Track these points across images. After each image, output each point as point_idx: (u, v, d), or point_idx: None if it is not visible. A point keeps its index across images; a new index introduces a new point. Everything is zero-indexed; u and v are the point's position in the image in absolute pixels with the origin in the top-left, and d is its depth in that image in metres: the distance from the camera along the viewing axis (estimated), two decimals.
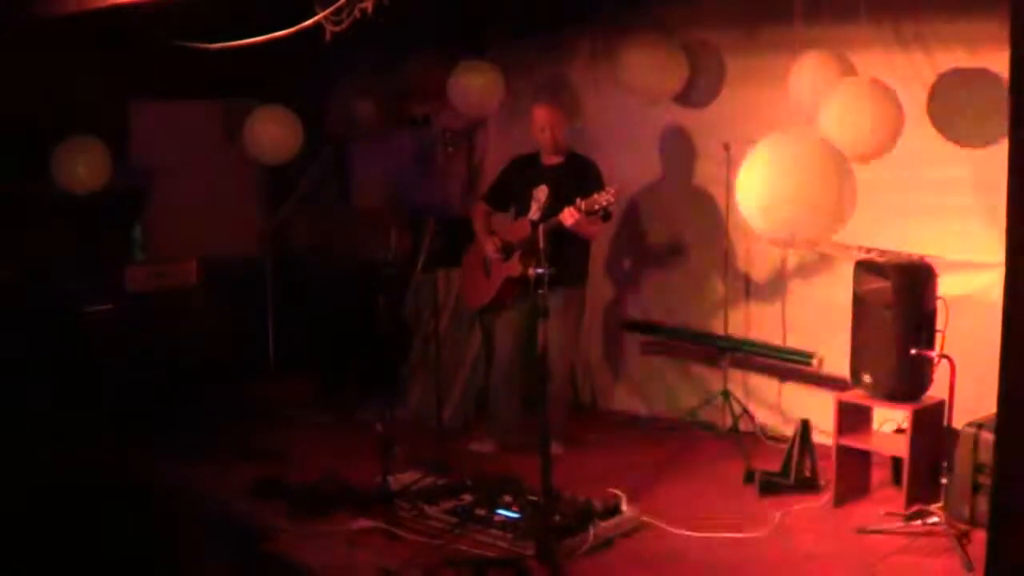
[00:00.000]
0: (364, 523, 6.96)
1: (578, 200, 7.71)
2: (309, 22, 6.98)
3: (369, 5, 6.62)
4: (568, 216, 7.73)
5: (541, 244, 6.96)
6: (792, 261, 8.63)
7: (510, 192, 8.57)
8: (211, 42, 8.01)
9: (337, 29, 6.84)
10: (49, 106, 9.35)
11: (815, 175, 6.45)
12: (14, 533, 7.16)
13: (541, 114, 8.41)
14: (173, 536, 7.22)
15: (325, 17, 6.86)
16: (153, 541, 7.17)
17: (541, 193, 8.28)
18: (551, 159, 8.44)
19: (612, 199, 7.60)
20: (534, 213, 8.24)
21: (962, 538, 6.43)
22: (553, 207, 8.00)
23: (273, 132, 9.97)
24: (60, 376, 8.98)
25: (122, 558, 7.05)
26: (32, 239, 9.46)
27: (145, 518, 7.38)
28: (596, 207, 7.64)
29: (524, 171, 8.52)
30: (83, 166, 9.45)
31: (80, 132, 9.46)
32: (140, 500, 7.60)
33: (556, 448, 8.15)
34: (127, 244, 10.32)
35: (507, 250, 8.35)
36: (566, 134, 8.49)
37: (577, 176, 8.22)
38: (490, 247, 8.43)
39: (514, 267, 8.24)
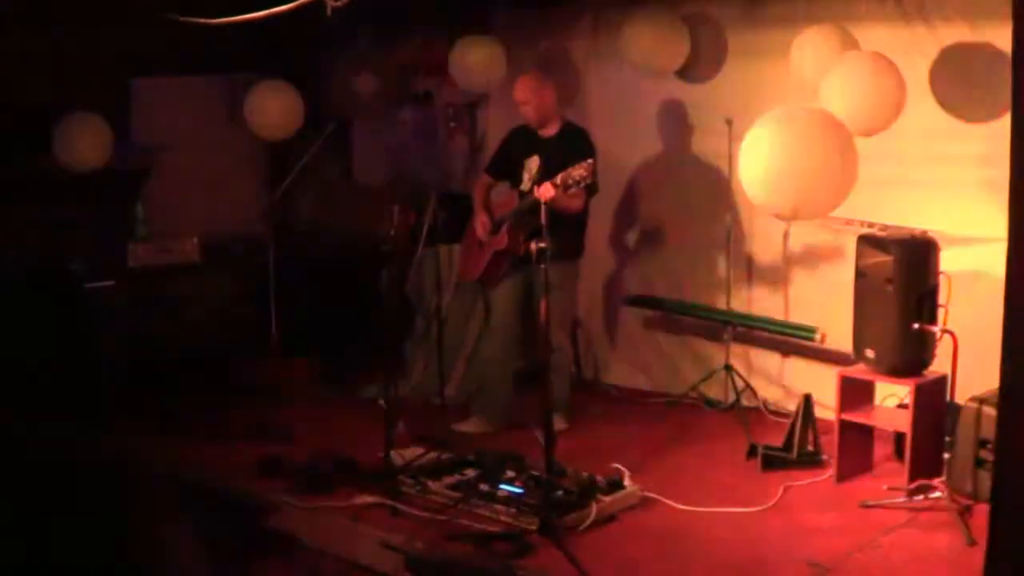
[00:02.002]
0: (367, 499, 6.97)
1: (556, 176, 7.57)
2: None
3: None
4: (545, 191, 7.53)
5: (543, 218, 6.89)
6: (795, 235, 8.60)
7: (509, 163, 8.50)
8: (212, 17, 7.99)
9: (338, 4, 6.81)
10: (50, 83, 9.33)
11: (817, 149, 6.46)
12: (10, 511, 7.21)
13: (518, 89, 8.34)
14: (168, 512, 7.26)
15: None
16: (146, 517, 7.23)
17: (533, 164, 8.21)
18: (546, 130, 8.36)
19: (586, 173, 7.36)
20: (525, 184, 8.17)
21: (964, 513, 6.44)
22: (544, 178, 7.80)
23: (274, 107, 9.96)
24: (62, 352, 8.99)
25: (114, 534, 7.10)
26: (34, 216, 9.45)
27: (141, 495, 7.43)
28: (570, 181, 7.40)
29: (521, 142, 8.45)
30: (85, 143, 9.43)
31: (81, 109, 9.45)
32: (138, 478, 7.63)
33: (559, 423, 8.15)
34: (129, 221, 10.31)
35: (497, 224, 8.31)
36: (550, 105, 8.35)
37: (567, 147, 8.09)
38: (480, 225, 8.38)
39: (501, 240, 8.21)
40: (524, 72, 8.62)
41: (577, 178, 7.35)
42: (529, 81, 8.37)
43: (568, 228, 8.12)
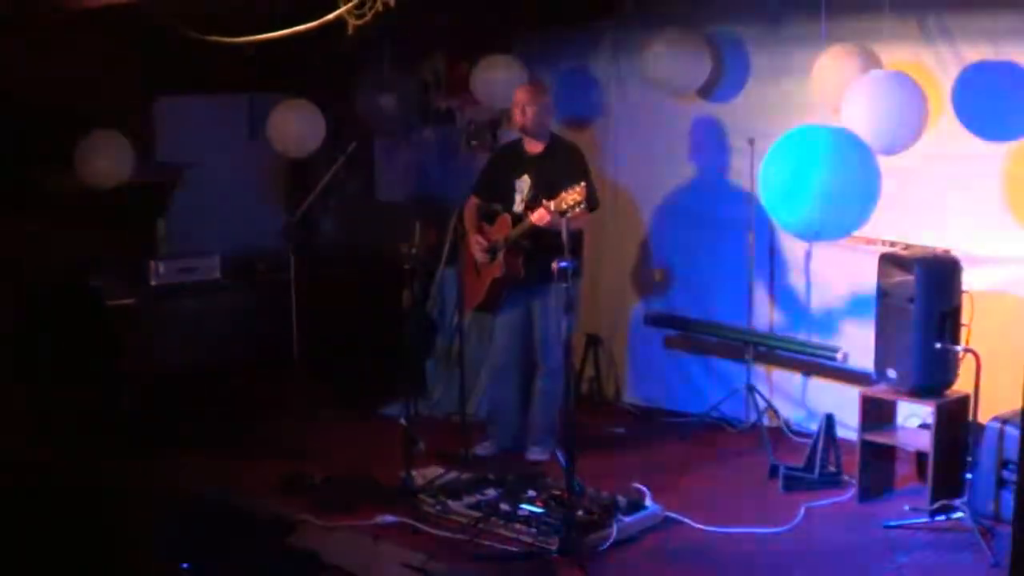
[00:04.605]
0: (388, 518, 6.97)
1: (544, 200, 7.45)
2: (332, 16, 6.98)
3: None
4: (539, 216, 7.54)
5: (564, 237, 6.84)
6: (817, 254, 8.58)
7: (497, 184, 8.31)
8: (235, 36, 8.02)
9: (360, 23, 6.84)
10: (73, 100, 9.37)
11: (840, 168, 6.45)
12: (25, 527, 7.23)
13: (520, 93, 8.18)
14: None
15: (348, 11, 6.86)
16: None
17: (524, 184, 8.08)
18: (533, 147, 8.19)
19: (580, 197, 7.11)
20: (517, 205, 8.06)
21: (987, 533, 6.41)
22: (536, 199, 7.79)
23: (296, 126, 9.98)
24: (83, 370, 9.01)
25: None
26: (56, 233, 9.48)
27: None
28: (564, 207, 7.15)
29: (508, 161, 8.30)
30: (107, 160, 9.46)
31: (104, 126, 9.48)
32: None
33: (537, 453, 8.22)
34: (151, 238, 10.34)
35: (492, 249, 8.13)
36: (547, 117, 8.22)
37: (558, 164, 7.97)
38: (476, 248, 8.20)
39: (497, 268, 8.06)
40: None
41: (571, 203, 7.13)
42: (530, 87, 8.30)
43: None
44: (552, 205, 7.32)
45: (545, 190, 7.72)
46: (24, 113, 9.20)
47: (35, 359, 9.08)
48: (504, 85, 9.53)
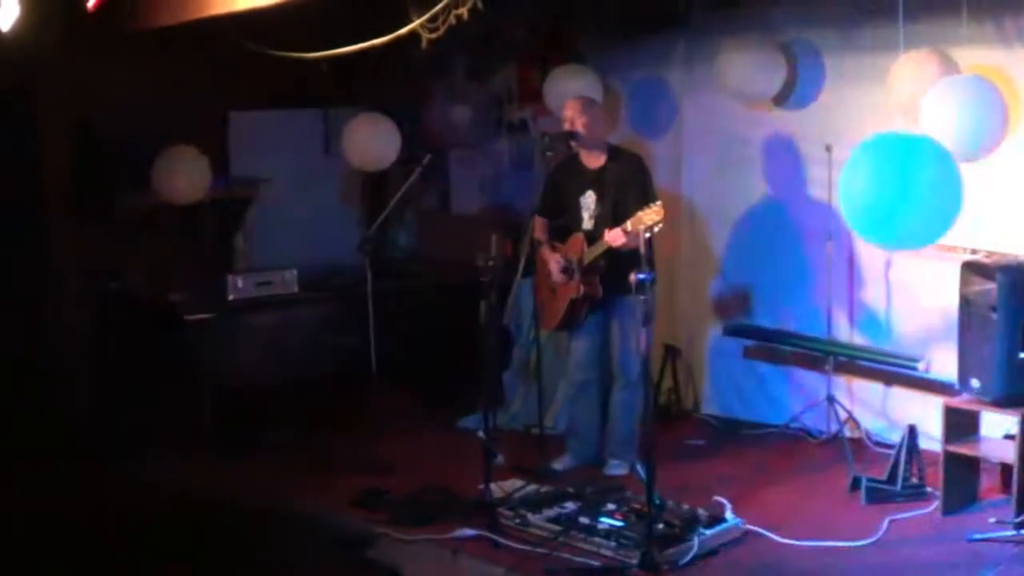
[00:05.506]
0: (467, 531, 6.96)
1: (626, 222, 7.45)
2: (405, 29, 7.01)
3: (464, 11, 6.63)
4: (615, 239, 7.54)
5: (642, 248, 6.83)
6: (897, 262, 8.48)
7: (559, 201, 8.28)
8: (309, 51, 8.06)
9: (433, 36, 6.86)
10: (149, 117, 9.45)
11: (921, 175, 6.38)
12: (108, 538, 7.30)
13: (567, 107, 8.16)
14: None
15: (421, 24, 6.88)
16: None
17: (589, 200, 8.04)
18: (592, 160, 8.12)
19: (659, 218, 7.11)
20: (586, 223, 8.05)
21: None
22: (603, 215, 7.84)
23: (371, 139, 10.01)
24: (163, 384, 9.08)
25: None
26: (134, 249, 9.57)
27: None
28: (642, 228, 7.12)
29: (568, 177, 8.22)
30: (183, 176, 9.55)
31: (180, 142, 9.56)
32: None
33: (615, 467, 8.19)
34: (228, 253, 10.40)
35: (568, 268, 8.10)
36: (597, 129, 8.15)
37: (623, 177, 7.95)
38: (554, 267, 8.17)
39: (575, 288, 8.03)
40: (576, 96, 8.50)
41: (649, 223, 7.11)
42: (576, 100, 8.24)
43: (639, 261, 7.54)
44: (629, 226, 7.33)
45: (611, 206, 7.78)
46: (102, 131, 9.30)
47: (115, 374, 9.17)
48: (576, 95, 9.51)
